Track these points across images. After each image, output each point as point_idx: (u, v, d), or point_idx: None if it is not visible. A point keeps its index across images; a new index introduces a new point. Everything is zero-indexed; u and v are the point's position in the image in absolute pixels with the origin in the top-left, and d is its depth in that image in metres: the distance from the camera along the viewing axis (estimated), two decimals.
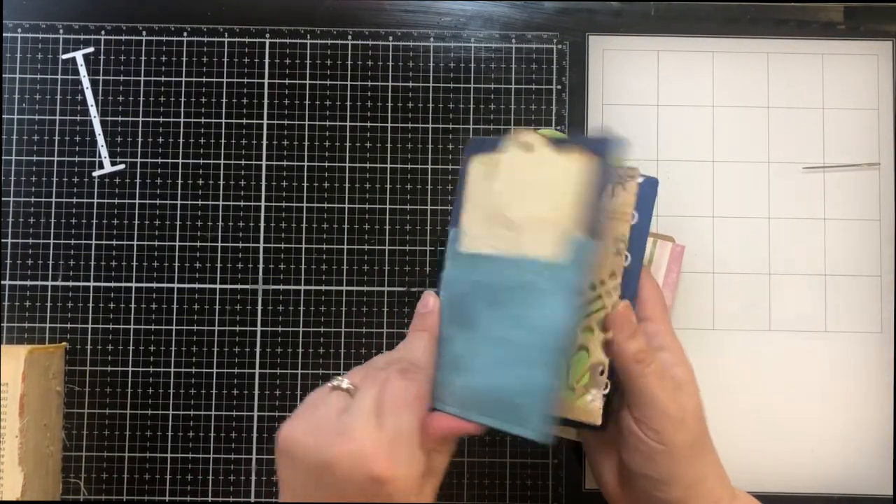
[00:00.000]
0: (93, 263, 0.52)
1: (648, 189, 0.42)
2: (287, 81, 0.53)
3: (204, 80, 0.53)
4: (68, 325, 0.51)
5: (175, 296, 0.52)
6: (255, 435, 0.51)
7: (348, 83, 0.53)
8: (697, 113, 0.53)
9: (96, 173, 0.52)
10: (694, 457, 0.39)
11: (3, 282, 0.51)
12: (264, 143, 0.52)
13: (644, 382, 0.39)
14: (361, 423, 0.36)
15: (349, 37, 0.53)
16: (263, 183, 0.52)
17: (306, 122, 0.52)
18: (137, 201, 0.52)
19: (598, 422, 0.40)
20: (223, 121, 0.52)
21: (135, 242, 0.52)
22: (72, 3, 0.53)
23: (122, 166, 0.52)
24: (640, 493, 0.41)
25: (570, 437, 0.48)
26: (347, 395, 0.38)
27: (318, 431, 0.37)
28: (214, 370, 0.51)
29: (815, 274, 0.51)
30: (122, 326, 0.51)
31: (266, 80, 0.53)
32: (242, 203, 0.52)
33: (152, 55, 0.53)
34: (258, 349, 0.51)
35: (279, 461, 0.38)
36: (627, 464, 0.40)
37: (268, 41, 0.53)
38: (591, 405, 0.40)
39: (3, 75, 0.52)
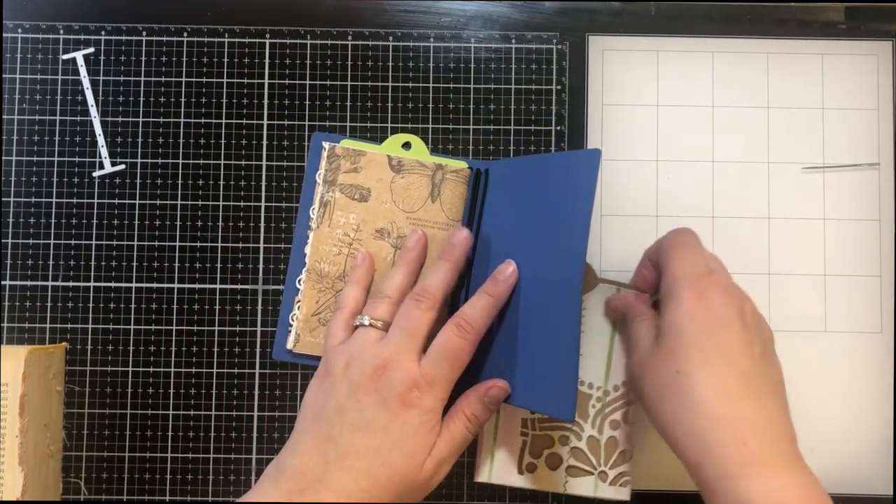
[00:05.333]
0: (93, 263, 0.52)
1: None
2: (287, 81, 0.53)
3: (204, 80, 0.53)
4: (68, 325, 0.51)
5: (175, 296, 0.52)
6: (255, 435, 0.51)
7: (348, 83, 0.53)
8: (697, 113, 0.52)
9: (96, 173, 0.52)
10: (729, 402, 0.38)
11: (3, 282, 0.51)
12: (264, 143, 0.52)
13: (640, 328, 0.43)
14: (405, 354, 0.42)
15: (349, 37, 0.53)
16: (263, 183, 0.52)
17: (306, 122, 0.52)
18: (137, 201, 0.52)
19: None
20: (223, 121, 0.52)
21: (135, 242, 0.52)
22: (72, 3, 0.53)
23: (122, 166, 0.52)
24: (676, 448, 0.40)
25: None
26: (374, 329, 0.44)
27: (362, 350, 0.43)
28: (214, 370, 0.51)
29: (815, 274, 0.51)
30: (122, 326, 0.51)
31: (266, 80, 0.53)
32: (242, 203, 0.52)
33: (152, 55, 0.53)
34: (258, 349, 0.51)
35: (313, 387, 0.44)
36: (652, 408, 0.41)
37: (268, 41, 0.53)
38: None
39: (3, 75, 0.52)
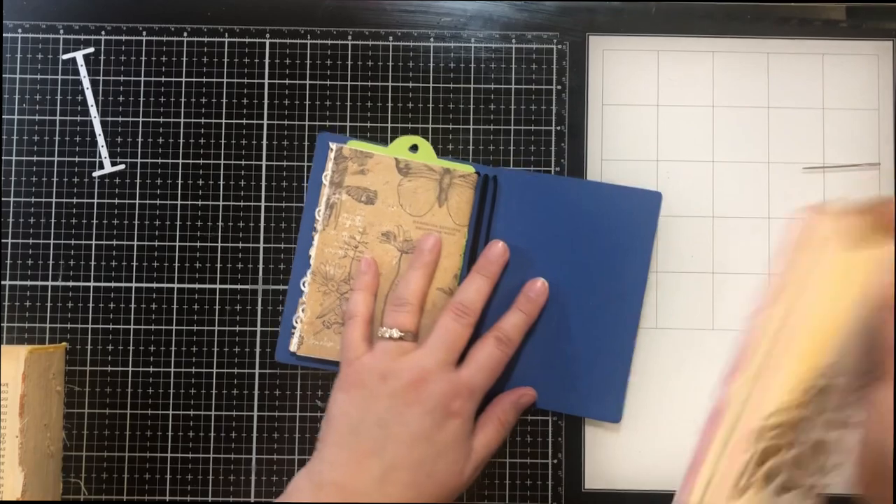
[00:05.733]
0: (93, 263, 0.52)
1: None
2: (287, 81, 0.53)
3: (204, 80, 0.53)
4: (68, 325, 0.51)
5: (175, 296, 0.52)
6: (255, 435, 0.51)
7: (348, 83, 0.53)
8: (697, 113, 0.52)
9: (96, 173, 0.52)
10: None
11: (3, 282, 0.51)
12: (264, 143, 0.52)
13: None
14: (443, 366, 0.43)
15: (349, 37, 0.53)
16: (263, 183, 0.52)
17: (306, 122, 0.52)
18: (137, 201, 0.52)
19: None
20: (223, 121, 0.52)
21: (135, 242, 0.52)
22: (72, 3, 0.53)
23: (122, 166, 0.52)
24: None
25: None
26: (403, 341, 0.44)
27: (395, 362, 0.43)
28: (214, 370, 0.51)
29: None
30: (122, 326, 0.51)
31: (266, 80, 0.53)
32: (242, 203, 0.52)
33: (152, 55, 0.53)
34: (258, 349, 0.51)
35: (339, 398, 0.43)
36: None
37: (268, 41, 0.53)
38: None
39: (4, 75, 0.52)
